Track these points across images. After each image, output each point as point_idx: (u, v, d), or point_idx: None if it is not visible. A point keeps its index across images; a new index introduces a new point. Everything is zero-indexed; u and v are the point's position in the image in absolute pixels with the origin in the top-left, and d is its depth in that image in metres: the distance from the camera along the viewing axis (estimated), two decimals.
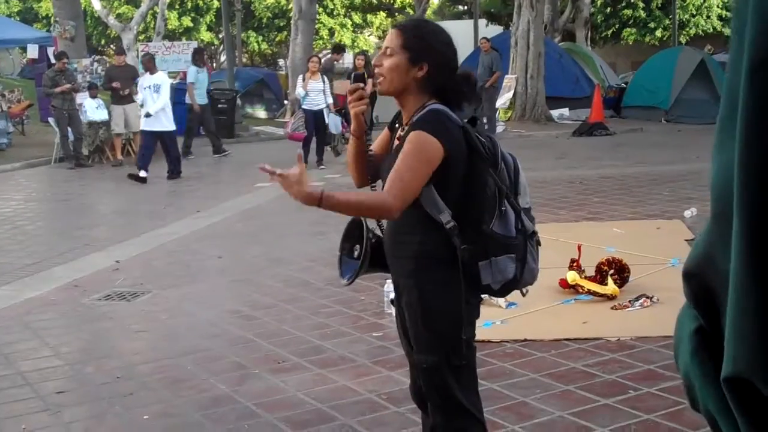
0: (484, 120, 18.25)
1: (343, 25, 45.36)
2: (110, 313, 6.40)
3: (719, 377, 0.75)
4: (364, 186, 3.11)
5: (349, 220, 3.14)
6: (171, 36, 40.75)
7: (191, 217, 10.27)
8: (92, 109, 16.21)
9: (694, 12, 38.55)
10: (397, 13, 40.09)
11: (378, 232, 3.11)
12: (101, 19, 34.47)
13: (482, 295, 3.02)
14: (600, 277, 6.05)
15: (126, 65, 16.87)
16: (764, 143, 0.72)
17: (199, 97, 16.48)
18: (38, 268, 7.97)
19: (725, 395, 0.75)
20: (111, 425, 4.37)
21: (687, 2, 38.16)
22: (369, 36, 46.82)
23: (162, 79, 13.50)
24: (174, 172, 13.64)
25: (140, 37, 35.27)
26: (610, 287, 5.92)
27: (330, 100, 14.23)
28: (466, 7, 49.26)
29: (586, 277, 6.06)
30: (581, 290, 5.96)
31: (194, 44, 28.01)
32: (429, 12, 42.88)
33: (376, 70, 2.95)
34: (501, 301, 5.58)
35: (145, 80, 13.61)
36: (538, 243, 3.00)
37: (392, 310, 3.05)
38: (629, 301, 5.75)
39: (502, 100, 20.41)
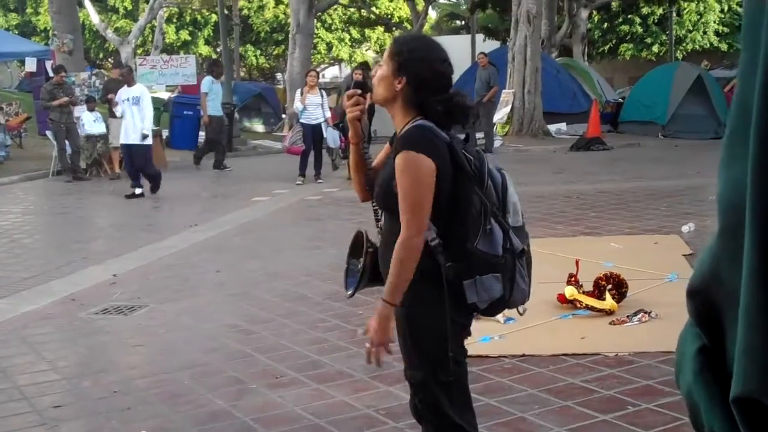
0: (481, 135, 18.29)
1: (341, 40, 45.51)
2: (107, 327, 6.39)
3: (725, 398, 0.75)
4: (366, 201, 3.11)
5: (354, 234, 3.14)
6: (169, 50, 40.83)
7: (189, 230, 10.26)
8: (90, 122, 16.22)
9: (691, 28, 38.70)
10: (394, 28, 40.16)
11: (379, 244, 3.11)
12: (99, 32, 34.60)
13: (473, 314, 3.00)
14: (598, 292, 6.05)
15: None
16: None
17: (213, 109, 16.48)
18: (35, 281, 7.95)
19: (732, 416, 0.74)
20: None
21: (684, 18, 38.30)
22: (367, 50, 46.94)
23: (141, 91, 13.32)
24: (133, 185, 13.13)
25: (138, 51, 35.39)
26: (608, 302, 5.91)
27: (328, 114, 14.25)
28: (463, 22, 49.41)
29: (584, 292, 6.06)
30: (579, 305, 5.96)
31: (192, 58, 28.08)
32: (426, 27, 43.02)
33: (373, 80, 3.00)
34: (499, 315, 5.57)
35: (123, 93, 13.36)
36: (529, 263, 2.98)
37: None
38: (627, 317, 5.75)
39: (500, 114, 20.46)
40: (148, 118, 13.21)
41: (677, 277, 6.74)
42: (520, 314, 3.12)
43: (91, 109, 16.36)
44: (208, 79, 16.78)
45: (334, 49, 45.53)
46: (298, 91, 14.90)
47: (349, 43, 46.16)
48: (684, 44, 38.85)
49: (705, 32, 38.95)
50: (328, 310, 6.46)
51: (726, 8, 39.16)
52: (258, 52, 46.06)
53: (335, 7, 36.65)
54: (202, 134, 20.70)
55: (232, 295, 7.15)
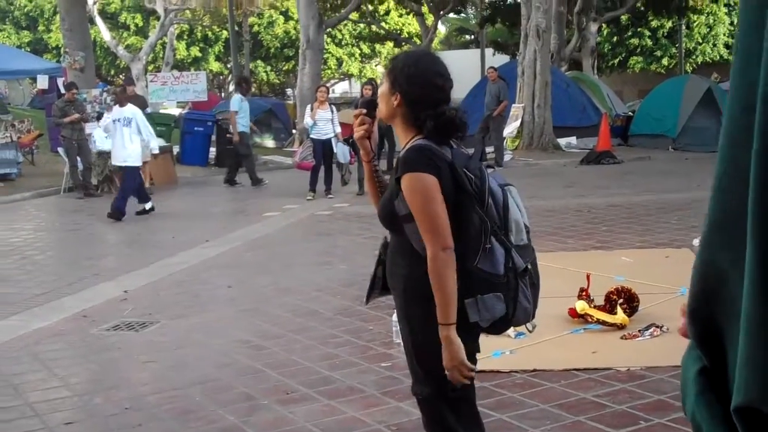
0: (491, 149, 18.30)
1: (351, 55, 45.65)
2: (119, 343, 6.40)
3: (727, 417, 0.75)
4: None
5: (380, 244, 3.14)
6: (180, 66, 41.06)
7: (200, 246, 10.28)
8: (101, 139, 16.25)
9: (701, 40, 38.69)
10: (404, 43, 40.28)
11: None
12: (111, 49, 34.81)
13: (478, 332, 2.99)
14: (609, 306, 6.03)
15: (135, 95, 17.00)
16: None
17: (242, 126, 16.48)
18: (47, 298, 7.98)
19: None
20: None
21: (693, 31, 38.29)
22: (376, 66, 47.06)
23: (134, 112, 12.93)
24: (115, 210, 12.57)
25: (149, 67, 35.57)
26: (620, 317, 5.90)
27: (338, 130, 14.28)
28: (473, 37, 49.53)
29: (595, 307, 6.04)
30: (590, 320, 5.94)
31: (203, 74, 28.22)
32: (436, 42, 43.14)
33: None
34: (510, 330, 5.56)
35: (114, 113, 13.01)
36: (534, 282, 2.97)
37: (401, 340, 3.05)
38: (639, 331, 5.73)
39: (510, 129, 20.45)
40: (153, 137, 13.18)
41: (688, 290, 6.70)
42: (530, 331, 3.12)
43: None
44: (237, 98, 16.74)
45: (344, 64, 45.68)
46: (308, 107, 14.94)
47: (359, 59, 46.30)
48: (694, 57, 38.85)
49: (715, 45, 38.94)
50: (339, 326, 6.46)
51: (736, 21, 39.06)
52: (268, 68, 46.24)
53: (345, 22, 36.80)
54: (212, 150, 20.82)
55: (243, 311, 7.16)
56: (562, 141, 21.15)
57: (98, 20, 31.75)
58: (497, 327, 2.95)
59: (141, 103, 16.84)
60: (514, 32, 32.75)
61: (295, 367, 5.55)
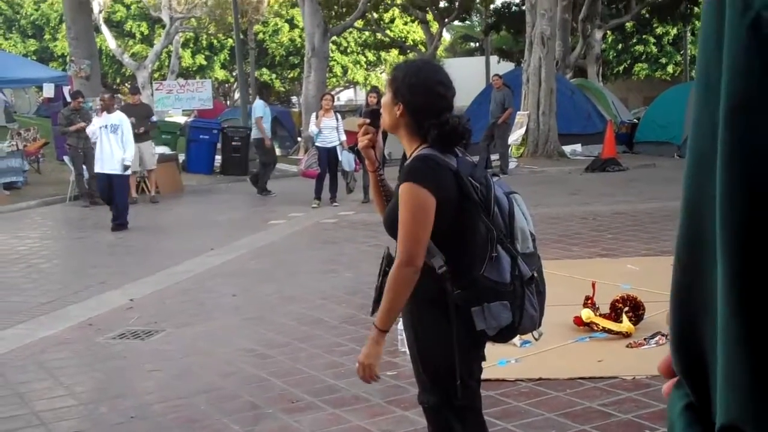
0: (496, 156, 18.30)
1: (356, 62, 45.71)
2: (124, 351, 6.41)
3: None
4: None
5: (384, 255, 3.15)
6: (185, 74, 41.16)
7: (205, 255, 10.29)
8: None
9: None
10: (409, 51, 40.33)
11: None
12: (116, 57, 34.90)
13: (484, 340, 3.00)
14: (615, 314, 6.02)
15: (141, 103, 17.04)
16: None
17: (261, 132, 16.39)
18: (53, 306, 7.99)
19: None
20: None
21: (698, 37, 38.27)
22: (381, 73, 47.12)
23: (121, 119, 12.62)
24: (118, 223, 12.45)
25: (155, 75, 35.67)
26: (625, 325, 5.88)
27: (343, 138, 14.29)
28: (478, 44, 49.61)
29: (600, 315, 6.03)
30: (596, 328, 5.93)
31: (208, 82, 28.28)
32: (441, 49, 43.19)
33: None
34: (515, 339, 5.55)
35: (101, 119, 12.71)
36: (540, 290, 2.97)
37: (406, 349, 3.06)
38: (644, 339, 5.71)
39: (515, 136, 20.45)
40: (129, 148, 12.61)
41: None
42: (536, 339, 3.12)
43: None
44: (260, 103, 16.64)
45: (349, 72, 45.75)
46: (313, 115, 14.96)
47: (365, 66, 46.38)
48: None
49: None
50: (345, 334, 6.46)
51: None
52: (273, 76, 46.32)
53: (350, 30, 36.86)
54: (218, 158, 20.87)
55: (248, 319, 7.16)
56: (567, 148, 21.14)
57: (104, 29, 31.83)
58: (504, 335, 2.95)
59: (146, 111, 16.88)
60: (518, 40, 32.80)
61: (300, 375, 5.55)
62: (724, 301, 0.72)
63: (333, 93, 28.52)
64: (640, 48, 39.02)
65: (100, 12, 30.83)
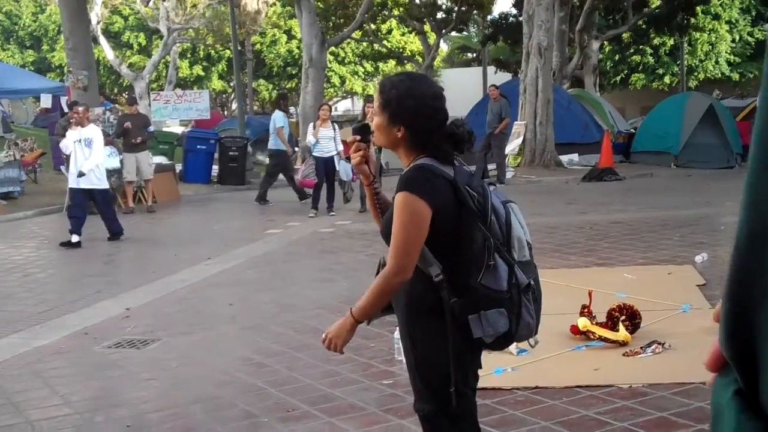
0: (493, 166, 18.32)
1: (354, 73, 45.78)
2: (120, 361, 6.39)
3: None
4: None
5: (378, 264, 3.15)
6: (183, 84, 41.23)
7: (202, 264, 10.29)
8: (105, 157, 16.31)
9: (703, 57, 38.78)
10: (406, 61, 40.42)
11: None
12: (114, 68, 34.93)
13: (481, 348, 3.00)
14: (611, 323, 6.02)
15: (138, 113, 17.04)
16: None
17: (279, 145, 16.25)
18: (49, 315, 7.97)
19: None
20: None
21: (696, 48, 38.40)
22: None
23: (94, 134, 12.25)
24: (114, 233, 12.43)
25: (152, 86, 35.70)
26: (622, 333, 5.89)
27: (341, 147, 14.31)
28: (475, 55, 49.69)
29: (597, 324, 6.03)
30: (592, 336, 5.93)
31: (206, 93, 28.31)
32: (438, 60, 43.26)
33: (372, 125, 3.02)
34: (512, 347, 5.55)
35: (75, 133, 12.29)
36: (536, 298, 2.98)
37: (403, 358, 3.06)
38: (641, 348, 5.71)
39: (512, 146, 20.48)
40: (93, 159, 12.15)
41: (691, 307, 6.71)
42: (532, 347, 3.13)
43: (106, 144, 16.45)
44: (280, 114, 16.50)
45: (347, 82, 45.83)
46: (311, 125, 14.97)
47: (363, 77, 46.45)
48: (696, 73, 38.94)
49: (717, 62, 39.05)
50: None
51: (737, 38, 39.25)
52: (271, 87, 46.39)
53: (348, 41, 36.94)
54: (215, 168, 20.87)
55: (244, 328, 7.15)
56: (564, 158, 21.17)
57: (102, 39, 31.88)
58: (500, 342, 2.95)
59: (144, 121, 16.89)
60: (516, 50, 32.88)
61: (297, 384, 5.55)
62: None
63: (330, 103, 28.56)
64: (637, 58, 39.10)
65: (98, 23, 30.89)
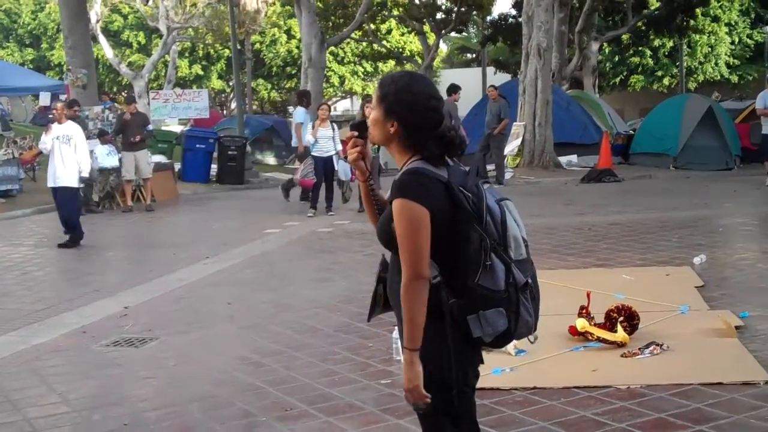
0: (492, 167, 18.32)
1: (354, 73, 45.79)
2: (118, 359, 6.39)
3: None
4: None
5: (380, 262, 3.14)
6: (182, 83, 41.22)
7: (200, 263, 10.28)
8: (103, 155, 16.32)
9: (702, 59, 38.80)
10: (405, 62, 40.42)
11: None
12: (113, 66, 34.93)
13: (480, 347, 3.00)
14: (609, 324, 6.02)
15: (137, 112, 17.03)
16: None
17: (298, 140, 16.22)
18: (47, 314, 7.97)
19: None
20: None
21: (695, 50, 38.42)
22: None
23: (73, 131, 11.91)
24: (72, 239, 11.88)
25: (152, 85, 35.71)
26: (620, 334, 5.89)
27: (339, 147, 14.30)
28: (474, 56, 49.72)
29: (595, 325, 6.03)
30: (591, 337, 5.93)
31: (205, 92, 28.29)
32: (437, 60, 43.28)
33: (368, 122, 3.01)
34: (510, 348, 5.55)
35: (54, 130, 11.88)
36: (534, 296, 2.98)
37: (401, 357, 3.05)
38: (639, 349, 5.71)
39: (511, 147, 20.49)
40: (85, 159, 11.99)
41: (689, 309, 6.71)
42: (531, 342, 3.12)
43: (104, 143, 16.47)
44: (301, 110, 16.44)
45: (346, 82, 45.83)
46: (310, 125, 14.96)
47: (362, 77, 46.46)
48: (695, 75, 38.97)
49: (716, 64, 39.07)
50: (339, 343, 6.45)
51: (737, 40, 39.30)
52: (269, 86, 46.38)
53: (347, 40, 36.94)
54: (214, 167, 20.87)
55: (242, 328, 7.15)
56: (563, 159, 21.18)
57: (101, 38, 31.89)
58: (500, 341, 2.95)
59: (143, 120, 16.87)
60: (515, 51, 32.90)
61: (295, 384, 5.54)
62: None
63: (329, 103, 28.54)
64: (636, 60, 39.13)
65: (98, 21, 30.90)
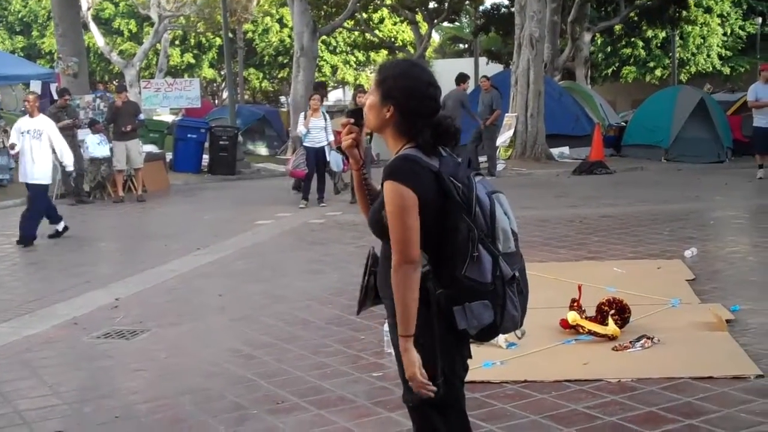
0: (484, 158, 18.31)
1: (346, 62, 45.69)
2: (109, 351, 6.38)
3: None
4: None
5: (367, 254, 3.14)
6: (173, 72, 41.05)
7: (192, 254, 10.27)
8: (94, 145, 16.28)
9: (695, 51, 38.82)
10: (398, 51, 40.32)
11: None
12: (104, 55, 34.77)
13: (467, 339, 3.00)
14: (601, 317, 6.04)
15: (128, 101, 16.96)
16: None
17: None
18: (38, 305, 7.95)
19: None
20: None
21: (688, 41, 38.43)
22: (371, 73, 47.10)
23: (45, 125, 11.48)
24: (26, 234, 11.43)
25: (143, 74, 35.56)
26: (611, 328, 5.90)
27: (332, 138, 14.28)
28: (466, 46, 49.65)
29: (586, 318, 6.05)
30: (582, 330, 5.95)
31: (196, 81, 28.18)
32: (430, 50, 43.20)
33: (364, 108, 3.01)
34: (501, 341, 5.56)
35: (23, 124, 11.52)
36: (521, 289, 2.97)
37: (392, 350, 3.06)
38: (630, 342, 5.73)
39: (503, 138, 20.48)
40: (66, 153, 11.69)
41: (680, 302, 6.73)
42: (519, 338, 3.13)
43: (95, 132, 16.41)
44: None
45: (338, 71, 45.74)
46: (302, 115, 14.92)
47: (354, 66, 46.37)
48: (687, 67, 38.99)
49: (708, 56, 39.10)
50: (330, 335, 6.45)
51: (729, 32, 39.34)
52: (261, 75, 46.25)
53: (340, 30, 36.83)
54: (205, 157, 20.82)
55: (234, 320, 7.14)
56: (555, 151, 21.18)
57: (92, 26, 31.72)
58: (486, 334, 2.95)
59: (134, 109, 16.81)
60: (507, 41, 32.86)
61: (286, 376, 5.54)
62: None
63: (321, 93, 28.43)
64: (628, 51, 39.13)
65: (89, 9, 30.73)
